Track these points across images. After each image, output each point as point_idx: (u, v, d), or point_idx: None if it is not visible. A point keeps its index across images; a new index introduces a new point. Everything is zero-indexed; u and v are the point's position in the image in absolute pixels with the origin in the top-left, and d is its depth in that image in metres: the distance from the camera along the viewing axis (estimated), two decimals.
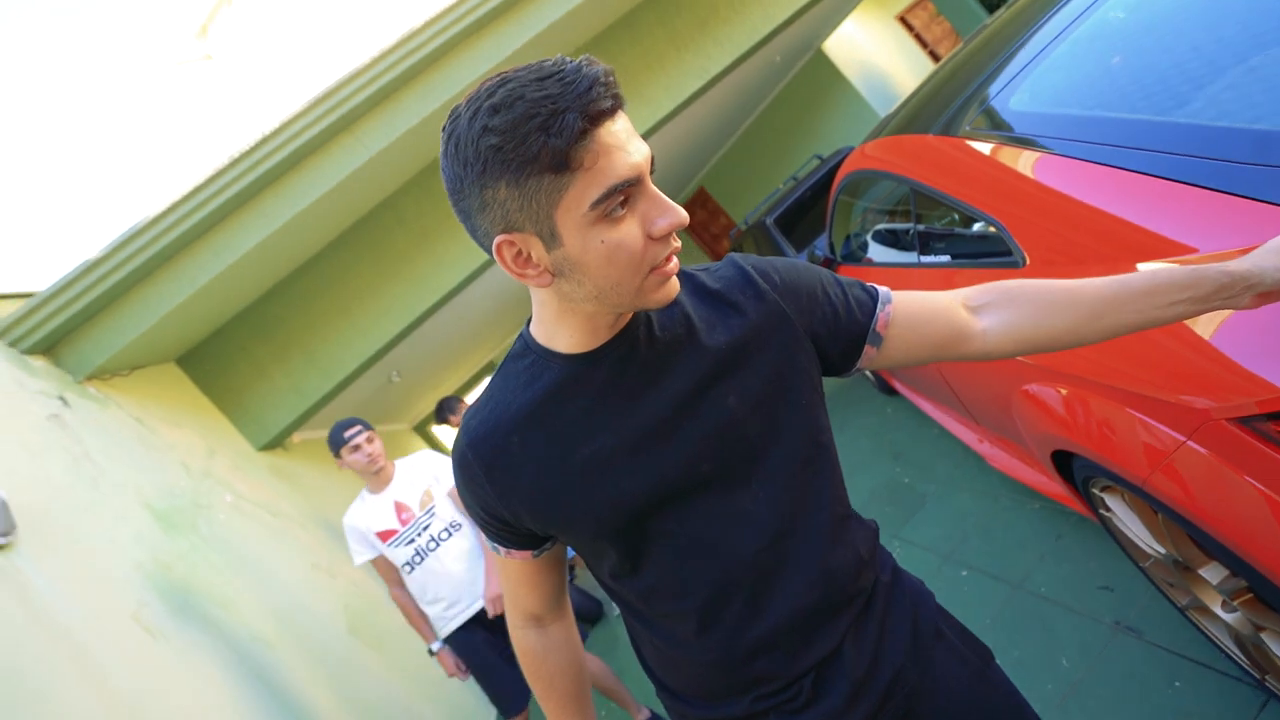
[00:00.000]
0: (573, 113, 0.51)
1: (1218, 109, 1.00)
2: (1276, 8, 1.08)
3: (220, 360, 3.59)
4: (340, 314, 3.69)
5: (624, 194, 0.55)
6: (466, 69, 3.20)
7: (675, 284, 0.62)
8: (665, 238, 0.58)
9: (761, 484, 0.69)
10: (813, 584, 0.70)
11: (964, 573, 2.11)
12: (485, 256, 3.76)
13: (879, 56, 7.80)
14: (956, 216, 1.57)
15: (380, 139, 3.10)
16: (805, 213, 5.32)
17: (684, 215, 0.57)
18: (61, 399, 2.58)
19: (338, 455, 2.35)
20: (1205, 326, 0.89)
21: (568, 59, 0.54)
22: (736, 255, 0.75)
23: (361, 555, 2.39)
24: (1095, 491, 1.35)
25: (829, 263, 2.77)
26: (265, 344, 3.62)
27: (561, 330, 0.66)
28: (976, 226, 1.46)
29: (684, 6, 4.13)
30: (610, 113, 0.54)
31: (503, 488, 0.69)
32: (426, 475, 2.45)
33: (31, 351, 2.69)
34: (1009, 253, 1.32)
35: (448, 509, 2.41)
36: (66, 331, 2.78)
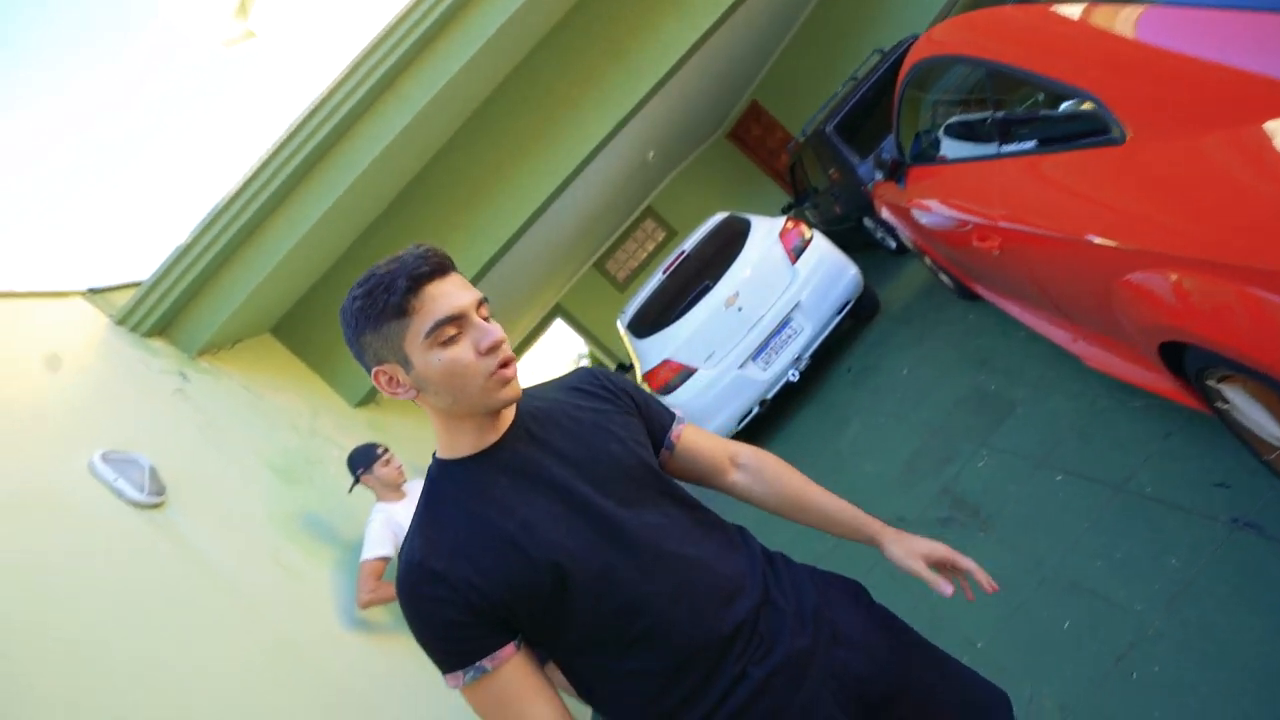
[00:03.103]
0: (402, 278, 0.77)
1: None
2: None
3: (309, 327, 3.82)
4: None
5: (453, 326, 0.78)
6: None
7: (516, 386, 0.82)
8: (491, 352, 0.79)
9: (656, 501, 0.90)
10: (728, 561, 0.90)
11: (1059, 477, 2.03)
12: (548, 192, 3.75)
13: None
14: (1042, 96, 1.43)
15: (427, 89, 3.10)
16: (868, 115, 4.96)
17: (499, 335, 0.80)
18: (182, 374, 2.84)
19: (368, 471, 2.58)
20: None
21: (414, 249, 0.80)
22: (587, 367, 1.03)
23: (380, 549, 2.38)
24: (1211, 384, 1.26)
25: (898, 165, 2.59)
26: None
27: (458, 439, 0.85)
28: (1067, 104, 1.32)
29: None
30: (432, 275, 0.78)
31: (467, 570, 0.79)
32: None
33: (149, 334, 2.95)
34: (1106, 129, 1.19)
35: None
36: (174, 313, 3.03)
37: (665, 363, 4.07)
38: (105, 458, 2.08)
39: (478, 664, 0.77)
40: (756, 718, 0.83)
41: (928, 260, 3.45)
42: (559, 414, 0.91)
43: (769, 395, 4.06)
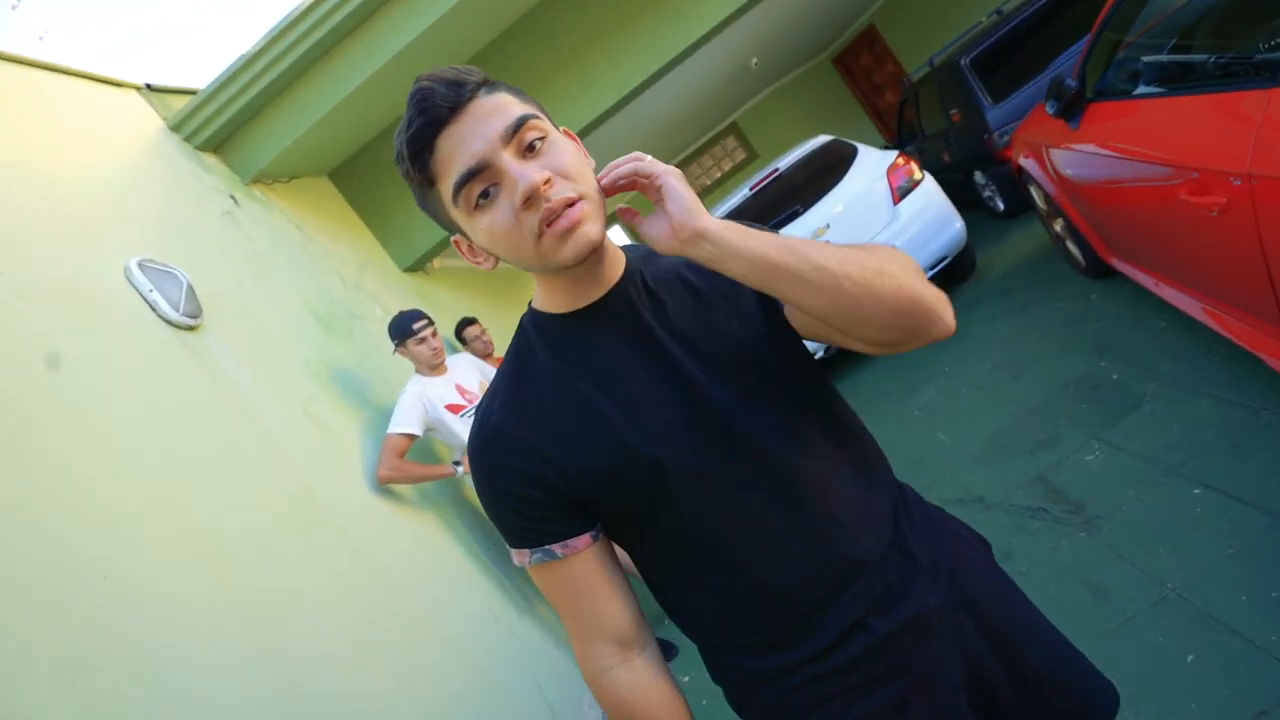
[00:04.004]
0: (405, 143, 0.61)
1: None
2: None
3: (368, 178, 3.58)
4: None
5: (479, 182, 0.60)
6: None
7: (584, 235, 0.61)
8: (529, 206, 0.60)
9: (781, 397, 0.71)
10: (859, 487, 0.73)
11: (1196, 490, 1.75)
12: (647, 73, 3.34)
13: None
14: None
15: None
16: (1011, 53, 4.36)
17: (532, 180, 0.58)
18: (232, 197, 2.64)
19: (401, 344, 2.47)
20: None
21: (414, 88, 0.60)
22: None
23: (406, 425, 2.27)
24: None
25: (1078, 97, 2.17)
26: None
27: (553, 295, 0.70)
28: None
29: None
30: (439, 125, 0.59)
31: (549, 446, 0.66)
32: (474, 370, 2.68)
33: (203, 148, 2.73)
34: None
35: None
36: (232, 131, 2.80)
37: None
38: (143, 265, 1.90)
39: (547, 547, 0.68)
40: (872, 675, 0.71)
41: (1059, 225, 3.03)
42: (675, 277, 0.73)
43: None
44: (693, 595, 0.73)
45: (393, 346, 2.53)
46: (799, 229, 3.68)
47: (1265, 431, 1.77)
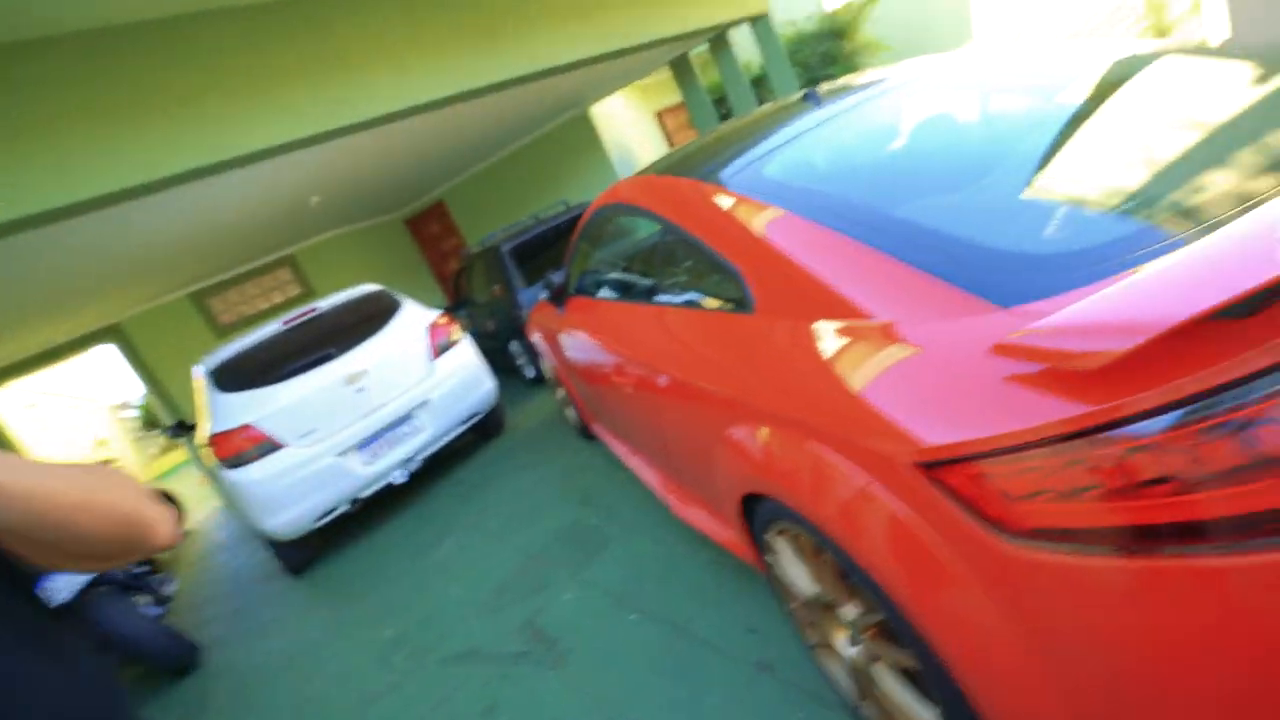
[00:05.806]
0: None
1: (916, 208, 1.18)
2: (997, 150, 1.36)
3: None
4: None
5: None
6: None
7: None
8: None
9: None
10: (47, 687, 0.66)
11: (633, 617, 2.11)
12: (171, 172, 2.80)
13: (633, 137, 8.55)
14: (700, 260, 1.63)
15: None
16: (541, 250, 5.34)
17: None
18: None
19: None
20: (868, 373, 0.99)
21: None
22: None
23: None
24: (768, 537, 1.45)
25: (563, 290, 2.72)
26: None
27: None
28: (716, 271, 1.52)
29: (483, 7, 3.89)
30: None
31: None
32: None
33: None
34: (743, 300, 1.38)
35: None
36: None
37: (245, 428, 3.26)
38: None
39: None
40: None
41: (561, 392, 3.62)
42: None
43: (365, 494, 3.54)
44: None
45: None
46: (333, 372, 3.49)
47: (678, 561, 2.29)
